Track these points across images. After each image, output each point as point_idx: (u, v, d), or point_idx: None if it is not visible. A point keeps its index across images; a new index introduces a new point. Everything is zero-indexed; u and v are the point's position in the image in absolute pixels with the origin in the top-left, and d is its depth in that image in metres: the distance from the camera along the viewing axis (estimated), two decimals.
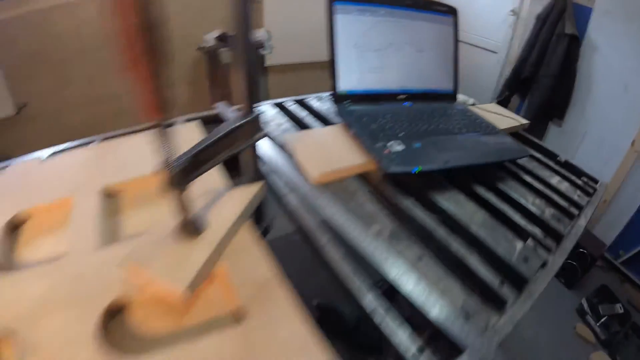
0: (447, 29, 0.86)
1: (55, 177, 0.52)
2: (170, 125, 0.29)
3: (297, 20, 1.86)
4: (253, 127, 0.41)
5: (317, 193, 0.50)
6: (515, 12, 1.80)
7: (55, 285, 0.36)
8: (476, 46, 2.03)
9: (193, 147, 0.34)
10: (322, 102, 0.81)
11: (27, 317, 0.33)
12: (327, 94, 0.86)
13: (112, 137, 0.62)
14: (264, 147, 0.60)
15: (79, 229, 0.43)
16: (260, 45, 1.60)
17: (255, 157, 0.46)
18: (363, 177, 0.57)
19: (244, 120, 0.39)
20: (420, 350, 0.34)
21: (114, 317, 0.35)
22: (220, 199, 0.43)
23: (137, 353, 0.31)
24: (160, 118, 0.28)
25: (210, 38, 1.59)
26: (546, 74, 1.69)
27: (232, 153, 0.38)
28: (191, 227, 0.37)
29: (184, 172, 0.32)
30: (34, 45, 1.92)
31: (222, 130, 0.37)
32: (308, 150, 0.57)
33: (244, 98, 0.39)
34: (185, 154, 0.33)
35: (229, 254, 0.38)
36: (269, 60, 1.83)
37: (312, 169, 0.53)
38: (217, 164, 0.37)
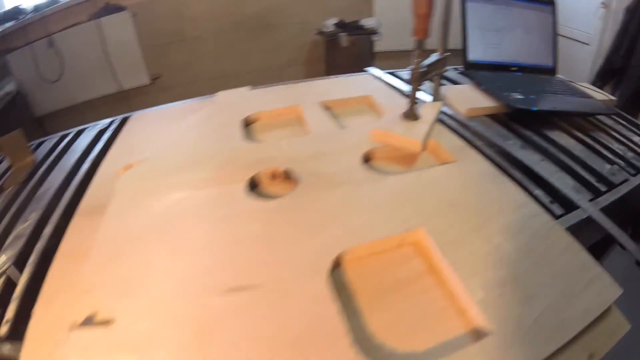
0: (547, 16, 1.07)
1: (269, 97, 0.77)
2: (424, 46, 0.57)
3: (404, 10, 2.07)
4: (444, 63, 0.70)
5: (467, 121, 0.76)
6: (605, 5, 1.90)
7: (320, 143, 0.61)
8: (569, 38, 2.14)
9: (425, 62, 0.63)
10: (448, 72, 1.06)
11: (303, 159, 0.57)
12: (449, 68, 1.10)
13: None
14: (423, 96, 0.87)
15: (316, 121, 0.68)
16: (373, 32, 1.86)
17: (439, 84, 0.75)
18: (493, 117, 0.81)
19: (442, 56, 0.69)
20: (552, 202, 0.59)
21: (366, 162, 0.61)
22: (421, 107, 0.71)
23: (387, 174, 0.56)
24: (424, 39, 0.57)
25: (329, 24, 1.87)
26: (636, 65, 1.78)
27: (436, 74, 0.70)
28: (413, 114, 0.65)
29: (422, 74, 0.60)
30: (170, 24, 2.22)
31: (435, 57, 0.67)
32: (455, 96, 0.83)
33: (442, 47, 0.68)
34: (423, 64, 0.61)
35: (434, 136, 0.65)
36: (378, 47, 2.06)
37: (460, 106, 0.79)
38: (431, 78, 0.67)
